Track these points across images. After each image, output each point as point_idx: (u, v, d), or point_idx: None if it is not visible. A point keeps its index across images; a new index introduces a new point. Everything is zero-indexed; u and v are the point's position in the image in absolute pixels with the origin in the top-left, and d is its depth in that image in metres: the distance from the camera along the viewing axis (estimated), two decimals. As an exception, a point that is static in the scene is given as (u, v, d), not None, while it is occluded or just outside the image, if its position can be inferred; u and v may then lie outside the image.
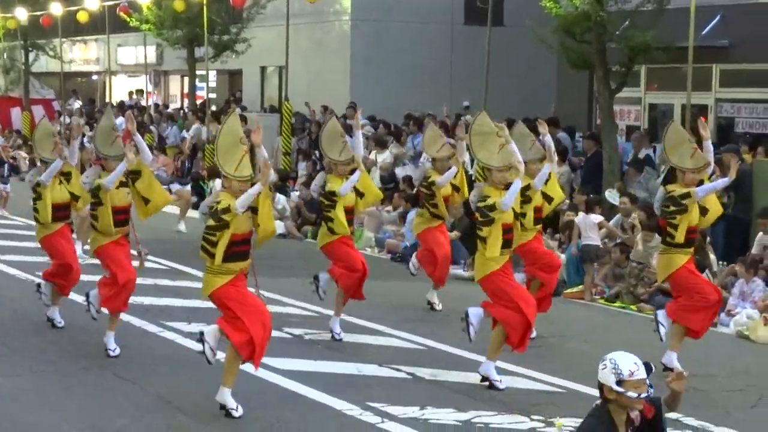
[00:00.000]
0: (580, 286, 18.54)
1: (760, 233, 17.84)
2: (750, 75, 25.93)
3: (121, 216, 13.88)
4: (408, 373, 13.29)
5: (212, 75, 41.97)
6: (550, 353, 14.47)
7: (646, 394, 7.05)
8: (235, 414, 11.17)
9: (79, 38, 50.58)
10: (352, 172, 14.85)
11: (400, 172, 26.47)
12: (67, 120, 42.24)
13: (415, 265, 17.49)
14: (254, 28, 36.31)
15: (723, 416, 11.62)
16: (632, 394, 7.03)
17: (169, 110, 40.10)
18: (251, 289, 11.56)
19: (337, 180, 14.82)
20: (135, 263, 14.20)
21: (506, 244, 12.60)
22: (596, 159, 22.43)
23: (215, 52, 35.87)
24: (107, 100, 42.88)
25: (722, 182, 13.88)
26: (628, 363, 7.11)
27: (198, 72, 38.94)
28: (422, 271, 17.34)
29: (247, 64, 39.70)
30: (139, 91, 45.31)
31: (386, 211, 24.14)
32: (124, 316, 14.40)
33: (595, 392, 12.44)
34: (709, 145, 13.33)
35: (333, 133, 15.16)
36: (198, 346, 11.61)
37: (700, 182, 13.26)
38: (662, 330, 13.48)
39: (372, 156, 27.40)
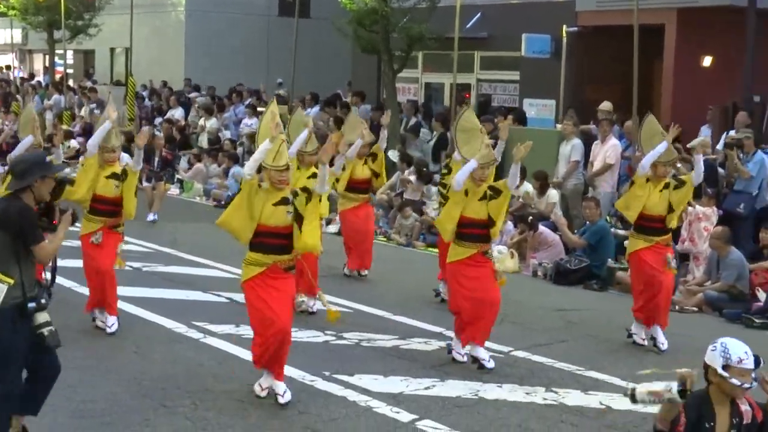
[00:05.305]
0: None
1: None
2: (504, 60, 26.36)
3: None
4: (227, 298, 13.17)
5: (69, 54, 40.90)
6: (345, 282, 14.50)
7: (748, 385, 5.87)
8: (281, 400, 8.96)
9: (-45, 21, 48.66)
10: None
11: (224, 135, 26.24)
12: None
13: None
14: (104, 16, 35.65)
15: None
16: (736, 381, 5.81)
17: (32, 82, 38.89)
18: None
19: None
20: None
21: (469, 238, 10.40)
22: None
23: (71, 34, 35.08)
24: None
25: (662, 146, 11.31)
26: (738, 350, 5.89)
27: (57, 51, 38.05)
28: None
29: (98, 45, 38.76)
30: (7, 67, 44.00)
31: (213, 167, 23.91)
32: None
33: (377, 311, 12.71)
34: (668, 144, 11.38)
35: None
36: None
37: (675, 176, 11.53)
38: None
39: (201, 122, 27.03)
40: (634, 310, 11.70)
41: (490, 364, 10.24)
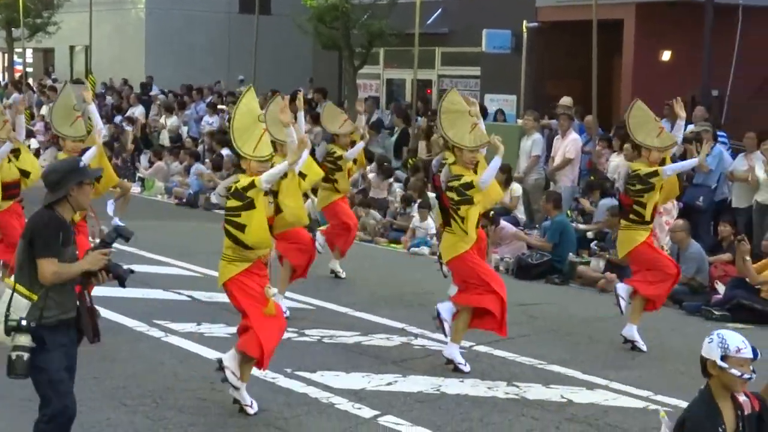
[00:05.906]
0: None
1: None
2: (464, 56, 26.42)
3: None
4: (188, 296, 13.09)
5: (29, 52, 40.63)
6: (307, 279, 14.37)
7: (749, 375, 5.70)
8: (250, 411, 8.61)
9: None
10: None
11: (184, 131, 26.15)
12: None
13: (321, 243, 14.18)
14: (63, 13, 35.45)
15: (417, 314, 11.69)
16: (735, 371, 5.66)
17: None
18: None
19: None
20: None
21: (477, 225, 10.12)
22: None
23: (30, 32, 34.86)
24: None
25: (692, 162, 11.60)
26: (735, 340, 5.76)
27: (16, 50, 37.76)
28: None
29: (58, 43, 38.51)
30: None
31: (174, 165, 23.79)
32: None
33: (338, 308, 12.67)
34: (682, 124, 11.35)
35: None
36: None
37: (663, 161, 11.02)
38: (623, 303, 11.33)
39: (162, 120, 26.90)
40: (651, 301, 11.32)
41: (467, 368, 10.03)
